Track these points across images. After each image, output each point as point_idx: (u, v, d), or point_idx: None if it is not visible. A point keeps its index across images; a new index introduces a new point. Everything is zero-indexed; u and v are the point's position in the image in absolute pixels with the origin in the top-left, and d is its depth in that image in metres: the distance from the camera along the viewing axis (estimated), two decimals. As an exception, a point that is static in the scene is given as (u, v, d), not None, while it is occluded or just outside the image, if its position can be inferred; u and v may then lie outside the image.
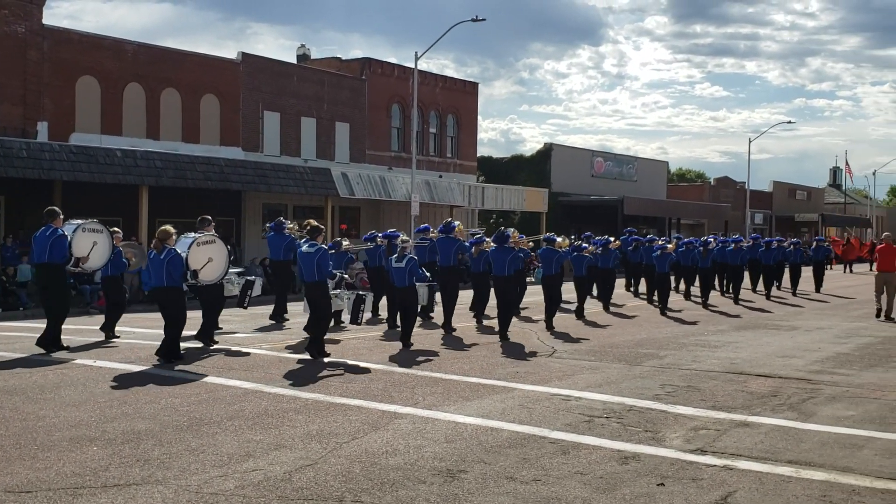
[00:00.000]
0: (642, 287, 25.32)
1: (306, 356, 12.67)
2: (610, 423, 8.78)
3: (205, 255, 13.25)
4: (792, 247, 29.51)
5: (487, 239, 17.38)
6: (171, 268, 12.16)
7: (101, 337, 14.39)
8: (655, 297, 22.30)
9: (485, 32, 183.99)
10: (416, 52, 33.29)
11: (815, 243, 32.52)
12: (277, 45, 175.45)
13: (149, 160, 24.82)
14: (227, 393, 10.03)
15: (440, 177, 38.10)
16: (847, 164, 79.39)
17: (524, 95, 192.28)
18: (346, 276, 15.39)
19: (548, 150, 50.76)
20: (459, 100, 42.46)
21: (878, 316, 19.92)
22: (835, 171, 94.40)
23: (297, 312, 17.37)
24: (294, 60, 38.60)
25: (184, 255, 12.65)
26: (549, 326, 16.83)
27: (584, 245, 20.04)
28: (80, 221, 13.80)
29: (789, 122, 77.39)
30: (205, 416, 8.77)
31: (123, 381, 10.66)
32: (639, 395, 10.23)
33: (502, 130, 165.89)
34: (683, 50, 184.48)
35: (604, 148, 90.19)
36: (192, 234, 13.66)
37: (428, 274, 15.71)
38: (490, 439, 8.02)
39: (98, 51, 27.99)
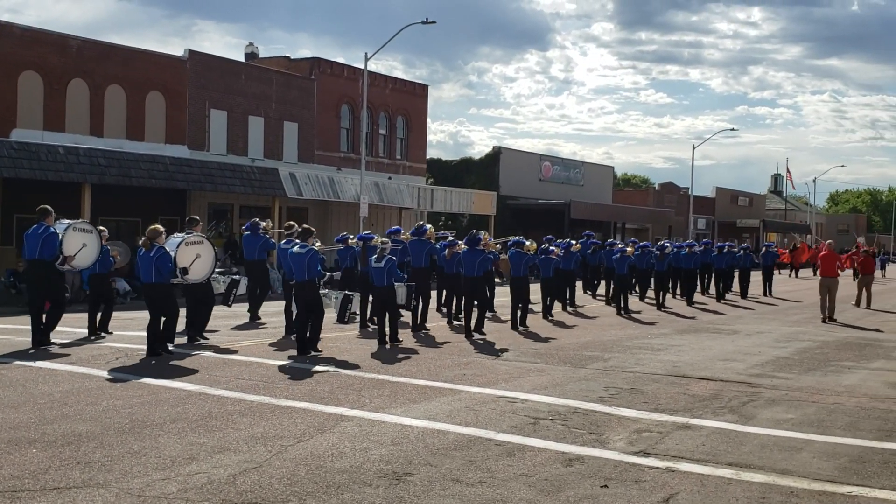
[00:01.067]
0: (601, 289, 26.42)
1: (293, 354, 13.16)
2: (555, 425, 8.85)
3: (193, 254, 13.62)
4: (742, 252, 30.66)
5: (460, 242, 18.11)
6: (159, 265, 12.66)
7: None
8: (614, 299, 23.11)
9: (434, 35, 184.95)
10: (365, 53, 33.25)
11: (764, 248, 33.54)
12: (224, 43, 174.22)
13: (92, 157, 24.43)
14: (170, 395, 9.91)
15: (389, 178, 38.05)
16: (788, 171, 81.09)
17: (473, 99, 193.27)
18: (334, 275, 15.86)
19: (496, 154, 51.01)
20: (409, 102, 42.47)
21: (823, 320, 20.66)
22: (776, 178, 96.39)
23: (269, 312, 18.13)
24: (242, 59, 38.25)
25: (172, 253, 13.01)
26: (518, 326, 17.48)
27: (551, 248, 20.81)
28: (71, 221, 14.16)
29: (732, 130, 78.42)
30: (147, 419, 8.65)
31: (64, 383, 10.48)
32: (583, 397, 10.33)
33: (451, 133, 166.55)
34: (629, 56, 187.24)
35: (551, 152, 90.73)
36: (181, 234, 14.07)
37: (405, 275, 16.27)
38: (436, 441, 8.04)
39: (41, 45, 27.46)
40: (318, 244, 15.95)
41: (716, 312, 23.15)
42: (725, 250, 29.34)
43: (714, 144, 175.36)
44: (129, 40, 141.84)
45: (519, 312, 17.67)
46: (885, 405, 10.28)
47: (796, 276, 45.50)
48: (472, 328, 16.15)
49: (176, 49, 29.14)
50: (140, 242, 12.99)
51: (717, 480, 7.05)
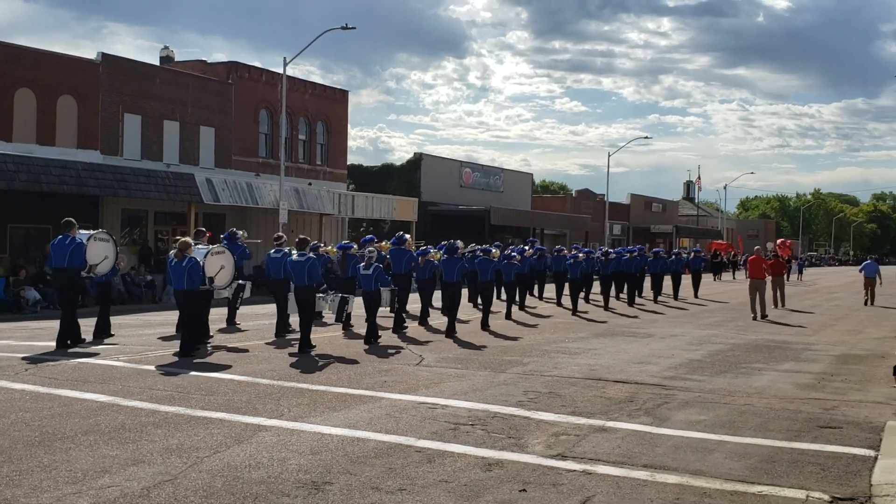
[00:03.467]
0: (549, 292, 28.75)
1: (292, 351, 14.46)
2: (475, 430, 8.89)
3: (218, 263, 15.05)
4: (674, 257, 33.38)
5: (433, 250, 20.56)
6: (192, 274, 13.88)
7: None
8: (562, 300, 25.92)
9: (351, 41, 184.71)
10: (284, 58, 32.96)
11: (693, 254, 36.11)
12: (136, 46, 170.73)
13: (0, 163, 23.62)
14: (81, 406, 9.65)
15: (310, 184, 37.75)
16: (699, 177, 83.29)
17: (392, 105, 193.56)
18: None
19: (418, 160, 51.09)
20: (329, 107, 42.19)
21: (754, 318, 22.81)
22: (688, 185, 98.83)
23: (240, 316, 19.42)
24: (157, 62, 37.50)
25: (201, 262, 14.32)
26: (485, 326, 18.95)
27: (513, 254, 22.88)
28: (91, 231, 15.60)
29: (646, 138, 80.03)
30: (58, 431, 8.41)
31: (-32, 396, 10.11)
32: (503, 401, 10.40)
33: (371, 139, 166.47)
34: (543, 65, 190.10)
35: (470, 159, 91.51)
36: (204, 246, 15.50)
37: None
38: (356, 450, 8.00)
39: (-56, 46, 26.45)
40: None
41: (655, 312, 25.17)
42: (657, 256, 31.54)
43: (627, 152, 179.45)
44: (37, 42, 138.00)
45: (485, 312, 19.31)
46: (794, 406, 10.61)
47: (720, 279, 47.66)
48: (446, 328, 17.37)
49: (87, 52, 28.41)
50: (172, 254, 14.19)
51: (632, 482, 7.18)
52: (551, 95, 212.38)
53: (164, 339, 16.20)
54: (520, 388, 11.35)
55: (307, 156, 41.07)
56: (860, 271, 31.78)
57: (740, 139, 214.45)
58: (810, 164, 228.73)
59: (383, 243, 20.43)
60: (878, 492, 7.02)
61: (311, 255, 15.07)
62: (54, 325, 16.11)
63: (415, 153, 52.04)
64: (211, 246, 15.41)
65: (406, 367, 13.10)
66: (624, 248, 34.01)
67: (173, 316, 19.14)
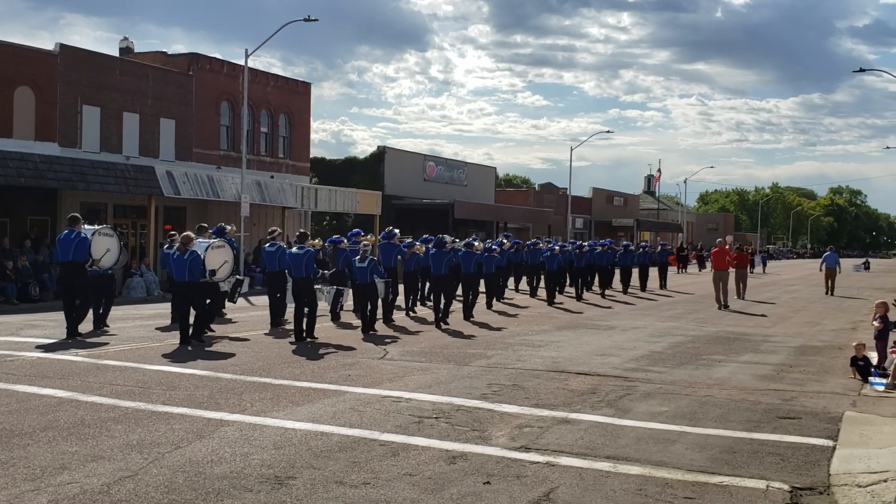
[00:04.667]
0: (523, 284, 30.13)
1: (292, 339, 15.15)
2: (439, 423, 8.89)
3: (218, 257, 15.75)
4: (641, 250, 35.03)
5: (417, 243, 21.51)
6: (192, 266, 14.60)
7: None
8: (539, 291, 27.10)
9: (312, 33, 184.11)
10: (246, 50, 32.73)
11: (660, 247, 37.38)
12: (94, 38, 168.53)
13: (-46, 154, 23.18)
14: (40, 402, 9.50)
15: (272, 177, 37.45)
16: (659, 171, 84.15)
17: (354, 98, 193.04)
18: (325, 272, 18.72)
19: (381, 153, 50.93)
20: (292, 99, 41.88)
21: (719, 308, 23.75)
22: (649, 179, 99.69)
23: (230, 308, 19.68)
24: (116, 53, 36.96)
25: (202, 256, 14.94)
26: (471, 316, 19.64)
27: (493, 247, 24.06)
28: (96, 227, 16.26)
29: (608, 132, 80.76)
30: (16, 428, 8.27)
31: (-77, 392, 9.92)
32: (467, 394, 10.42)
33: (333, 132, 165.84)
34: (505, 59, 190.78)
35: (434, 152, 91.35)
36: (205, 240, 16.15)
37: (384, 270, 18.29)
38: (320, 444, 7.97)
39: None
40: (318, 242, 18.36)
41: (625, 303, 26.14)
42: (627, 249, 32.78)
43: (589, 146, 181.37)
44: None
45: (469, 303, 19.86)
46: (754, 397, 10.74)
47: (685, 272, 48.81)
48: (441, 318, 18.03)
49: (44, 43, 27.95)
50: (175, 247, 14.94)
51: (595, 473, 7.22)
52: (513, 89, 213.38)
53: (161, 329, 16.59)
54: (483, 381, 11.37)
55: (269, 148, 40.76)
56: (821, 262, 32.69)
57: (699, 133, 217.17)
58: (768, 158, 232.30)
59: (369, 237, 20.58)
60: (836, 481, 7.13)
61: (310, 248, 15.90)
62: (10, 319, 15.91)
63: (378, 146, 51.91)
64: (212, 240, 16.21)
65: (370, 361, 13.07)
66: (595, 241, 34.94)
67: (133, 310, 19.12)
